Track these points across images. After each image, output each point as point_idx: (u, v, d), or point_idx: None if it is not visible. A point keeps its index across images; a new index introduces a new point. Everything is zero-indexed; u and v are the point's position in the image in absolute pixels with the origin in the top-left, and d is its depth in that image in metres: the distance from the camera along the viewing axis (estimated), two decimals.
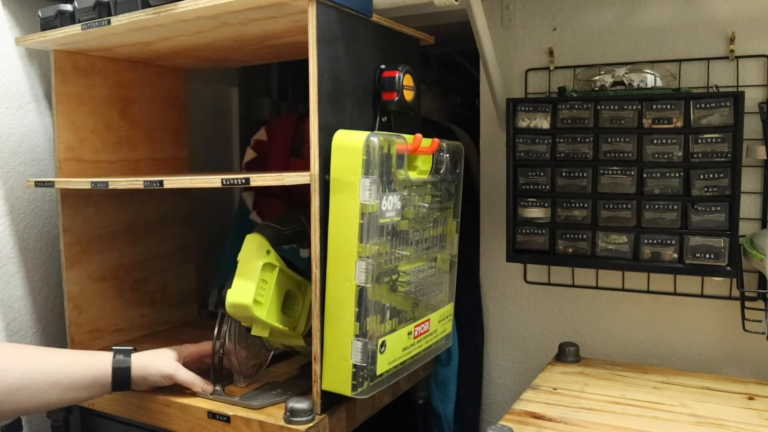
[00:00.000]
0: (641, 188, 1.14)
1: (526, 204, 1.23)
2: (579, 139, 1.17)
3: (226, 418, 0.98)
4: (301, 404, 0.94)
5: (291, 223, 1.10)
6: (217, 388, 1.05)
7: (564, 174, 1.19)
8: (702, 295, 1.21)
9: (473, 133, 1.50)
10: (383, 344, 0.97)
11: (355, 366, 0.93)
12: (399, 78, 1.04)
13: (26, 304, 1.31)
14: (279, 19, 1.02)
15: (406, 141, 0.98)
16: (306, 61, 0.93)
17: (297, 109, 1.90)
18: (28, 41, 1.18)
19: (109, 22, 1.05)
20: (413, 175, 1.02)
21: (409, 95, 1.06)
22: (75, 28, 1.10)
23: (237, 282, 1.00)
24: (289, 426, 0.94)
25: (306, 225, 1.06)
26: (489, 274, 1.41)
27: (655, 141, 1.12)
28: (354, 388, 0.94)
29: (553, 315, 1.36)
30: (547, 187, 1.21)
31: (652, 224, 1.13)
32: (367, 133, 0.91)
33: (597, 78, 1.20)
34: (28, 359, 0.93)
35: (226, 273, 1.04)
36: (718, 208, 1.08)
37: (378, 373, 0.96)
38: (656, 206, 1.13)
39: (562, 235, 1.20)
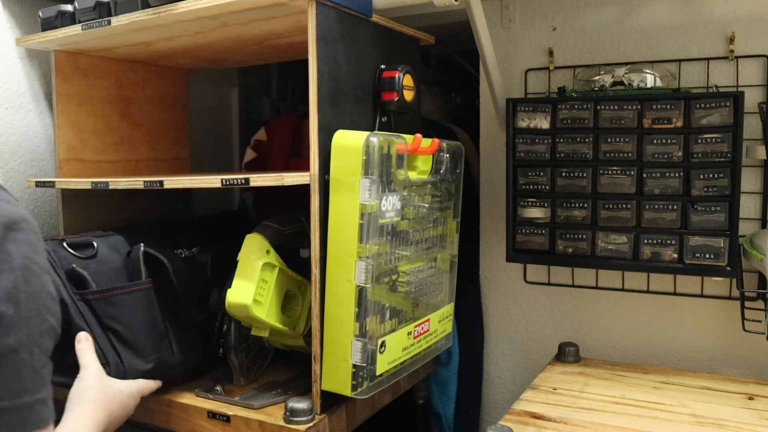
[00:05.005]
0: (641, 188, 1.14)
1: (526, 204, 1.23)
2: (579, 139, 1.17)
3: (226, 418, 0.98)
4: (301, 404, 0.94)
5: (291, 223, 1.10)
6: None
7: (564, 174, 1.19)
8: (702, 295, 1.21)
9: (473, 133, 1.50)
10: (383, 344, 0.97)
11: (354, 366, 0.93)
12: (399, 78, 1.04)
13: None
14: (279, 20, 1.02)
15: (406, 141, 0.98)
16: (306, 61, 0.93)
17: (297, 109, 1.90)
18: (28, 41, 1.18)
19: (109, 22, 1.06)
20: (413, 175, 1.02)
21: (409, 95, 1.06)
22: (75, 29, 1.10)
23: (237, 282, 1.00)
24: (289, 426, 0.94)
25: (306, 225, 1.06)
26: (489, 274, 1.41)
27: (654, 141, 1.12)
28: (354, 388, 0.94)
29: (553, 315, 1.36)
30: (547, 187, 1.21)
31: (651, 224, 1.13)
32: (366, 133, 0.91)
33: (597, 78, 1.20)
34: None
35: None
36: (718, 208, 1.08)
37: (378, 373, 0.97)
38: (656, 206, 1.13)
39: (561, 235, 1.20)
